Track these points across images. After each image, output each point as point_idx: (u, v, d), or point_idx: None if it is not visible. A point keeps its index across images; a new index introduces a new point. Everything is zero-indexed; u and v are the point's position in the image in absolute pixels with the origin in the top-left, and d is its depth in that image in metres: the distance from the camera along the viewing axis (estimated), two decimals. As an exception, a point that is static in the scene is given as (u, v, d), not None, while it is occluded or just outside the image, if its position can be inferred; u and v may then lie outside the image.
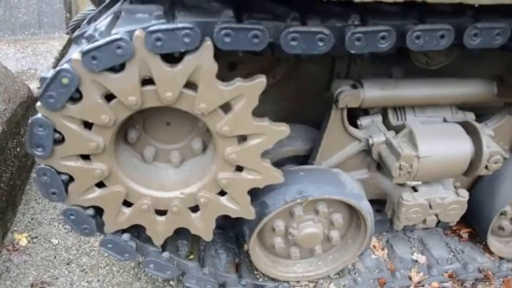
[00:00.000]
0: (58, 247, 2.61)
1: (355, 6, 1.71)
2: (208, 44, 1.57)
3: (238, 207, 1.98)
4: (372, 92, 2.10)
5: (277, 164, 2.44)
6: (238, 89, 1.69)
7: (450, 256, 2.55)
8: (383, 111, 2.32)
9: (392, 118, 2.29)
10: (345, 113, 2.17)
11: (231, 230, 2.49)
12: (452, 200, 2.26)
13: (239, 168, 1.90)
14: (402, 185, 2.28)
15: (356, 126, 2.30)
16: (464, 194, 2.28)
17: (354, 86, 2.13)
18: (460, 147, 2.13)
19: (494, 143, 2.19)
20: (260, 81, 1.70)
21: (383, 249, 2.55)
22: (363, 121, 2.31)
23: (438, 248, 2.57)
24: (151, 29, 1.53)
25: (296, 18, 1.63)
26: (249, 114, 1.74)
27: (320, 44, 1.61)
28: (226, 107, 1.74)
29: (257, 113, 2.55)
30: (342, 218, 2.23)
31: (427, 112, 2.33)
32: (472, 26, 1.70)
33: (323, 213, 2.17)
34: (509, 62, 2.16)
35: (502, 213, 2.44)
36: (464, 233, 2.65)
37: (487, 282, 2.46)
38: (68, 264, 2.50)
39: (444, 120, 2.32)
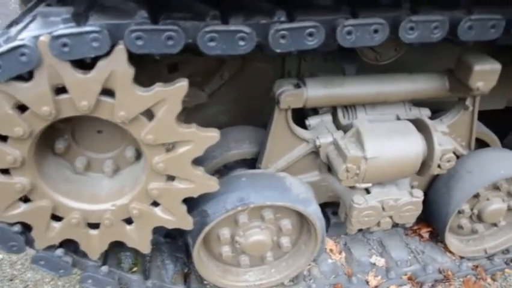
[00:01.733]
0: (3, 262, 2.50)
1: (284, 1, 1.61)
2: (120, 48, 1.46)
3: (173, 217, 1.87)
4: (316, 91, 2.00)
5: (227, 168, 2.35)
6: (159, 94, 1.57)
7: (410, 257, 2.47)
8: (333, 110, 2.21)
9: (341, 117, 2.18)
10: (289, 113, 2.06)
11: (180, 239, 2.38)
12: (406, 201, 2.16)
13: (171, 178, 1.79)
14: (353, 187, 2.18)
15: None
16: (419, 195, 2.18)
17: (297, 86, 2.02)
18: (410, 147, 2.02)
19: (447, 141, 2.09)
20: (181, 86, 1.59)
21: (340, 253, 2.46)
22: (311, 121, 2.20)
23: (398, 250, 2.49)
24: (55, 33, 1.41)
25: (216, 17, 1.52)
26: (173, 121, 1.63)
27: (241, 43, 1.50)
28: (149, 114, 1.63)
29: (206, 114, 2.50)
30: (291, 223, 2.13)
31: (379, 110, 2.23)
32: (408, 19, 1.59)
33: (269, 220, 2.07)
34: (460, 55, 2.06)
35: (459, 212, 2.35)
36: (425, 232, 2.57)
37: (447, 283, 2.38)
38: (11, 280, 2.39)
39: (397, 118, 2.23)
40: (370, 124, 2.05)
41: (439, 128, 2.22)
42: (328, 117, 2.21)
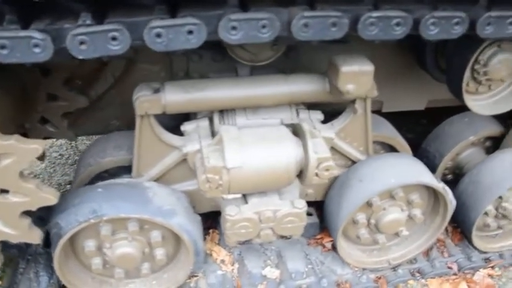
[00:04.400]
0: None
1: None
2: None
3: (16, 231, 1.78)
4: (176, 96, 1.87)
5: (111, 175, 2.24)
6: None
7: (307, 269, 2.32)
8: (211, 115, 2.08)
9: (217, 122, 2.05)
10: (152, 120, 1.94)
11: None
12: (286, 213, 2.02)
13: (5, 191, 1.69)
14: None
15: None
16: (300, 205, 2.03)
17: (157, 90, 1.89)
18: (280, 155, 1.88)
19: (325, 148, 1.94)
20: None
21: (232, 264, 2.34)
22: (187, 127, 2.08)
23: (295, 260, 2.35)
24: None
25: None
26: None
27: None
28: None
29: (98, 119, 2.40)
30: (161, 235, 2.02)
31: (261, 114, 2.09)
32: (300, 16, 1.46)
33: (133, 232, 1.95)
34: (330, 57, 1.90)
35: (354, 222, 2.20)
36: (327, 242, 2.41)
37: (342, 297, 2.24)
38: None
39: (282, 123, 2.09)
40: (237, 131, 1.91)
41: (325, 134, 2.09)
42: (205, 123, 2.08)
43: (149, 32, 1.40)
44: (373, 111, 2.56)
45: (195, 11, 1.45)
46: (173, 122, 2.11)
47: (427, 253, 2.48)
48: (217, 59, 2.19)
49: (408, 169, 2.17)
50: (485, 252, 2.52)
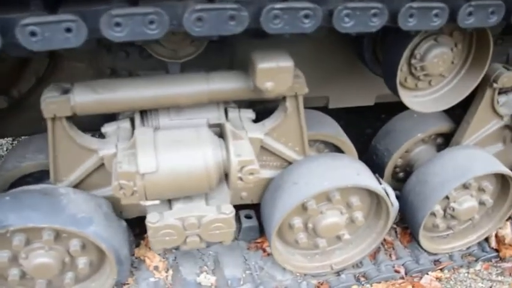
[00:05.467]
0: None
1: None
2: None
3: None
4: (85, 98, 1.75)
5: (36, 179, 2.12)
6: None
7: (245, 275, 2.22)
8: (133, 115, 1.96)
9: (138, 124, 1.93)
10: (65, 122, 1.82)
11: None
12: (212, 218, 1.90)
13: None
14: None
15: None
16: (227, 211, 1.92)
17: (67, 91, 1.77)
18: (196, 158, 1.76)
19: (249, 150, 1.82)
20: None
21: (167, 271, 2.23)
22: (107, 128, 1.96)
23: (233, 266, 2.24)
24: None
25: None
26: None
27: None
28: None
29: (27, 119, 2.27)
30: (81, 244, 1.90)
31: (186, 114, 1.97)
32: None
33: (47, 241, 1.84)
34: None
35: (290, 226, 2.10)
36: (268, 246, 2.30)
37: (280, 304, 2.14)
38: None
39: (208, 123, 1.97)
40: (152, 134, 1.79)
41: (253, 134, 1.97)
42: (126, 124, 1.96)
43: (22, 31, 1.28)
44: (319, 108, 2.49)
45: (78, 7, 1.32)
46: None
47: (374, 256, 2.38)
48: (144, 55, 2.07)
49: (344, 171, 2.05)
50: (434, 254, 2.43)
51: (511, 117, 2.33)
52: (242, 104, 2.10)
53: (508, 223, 2.53)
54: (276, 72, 1.70)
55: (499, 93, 2.36)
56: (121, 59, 2.09)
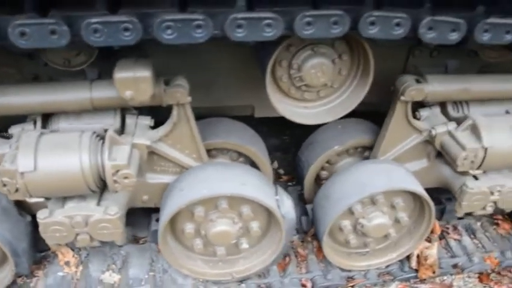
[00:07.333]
0: None
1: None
2: None
3: None
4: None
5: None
6: None
7: (147, 276, 2.29)
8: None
9: (39, 126, 2.06)
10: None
11: None
12: (98, 218, 1.99)
13: None
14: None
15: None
16: (112, 212, 2.00)
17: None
18: (70, 161, 1.86)
19: (124, 156, 1.89)
20: None
21: (77, 266, 2.35)
22: (13, 130, 2.09)
23: (139, 267, 2.32)
24: None
25: None
26: None
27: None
28: None
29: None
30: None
31: (85, 119, 2.08)
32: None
33: None
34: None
35: (182, 231, 2.13)
36: (176, 250, 2.36)
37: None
38: None
39: (104, 128, 2.07)
40: (36, 137, 1.90)
41: (138, 140, 2.04)
42: (30, 126, 2.08)
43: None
44: (245, 117, 2.50)
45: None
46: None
47: (284, 268, 2.35)
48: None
49: (232, 179, 2.05)
50: (349, 271, 2.34)
51: (428, 133, 2.20)
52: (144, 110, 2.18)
53: (436, 244, 2.38)
54: (133, 82, 1.75)
55: (422, 106, 2.25)
56: (42, 65, 2.25)
